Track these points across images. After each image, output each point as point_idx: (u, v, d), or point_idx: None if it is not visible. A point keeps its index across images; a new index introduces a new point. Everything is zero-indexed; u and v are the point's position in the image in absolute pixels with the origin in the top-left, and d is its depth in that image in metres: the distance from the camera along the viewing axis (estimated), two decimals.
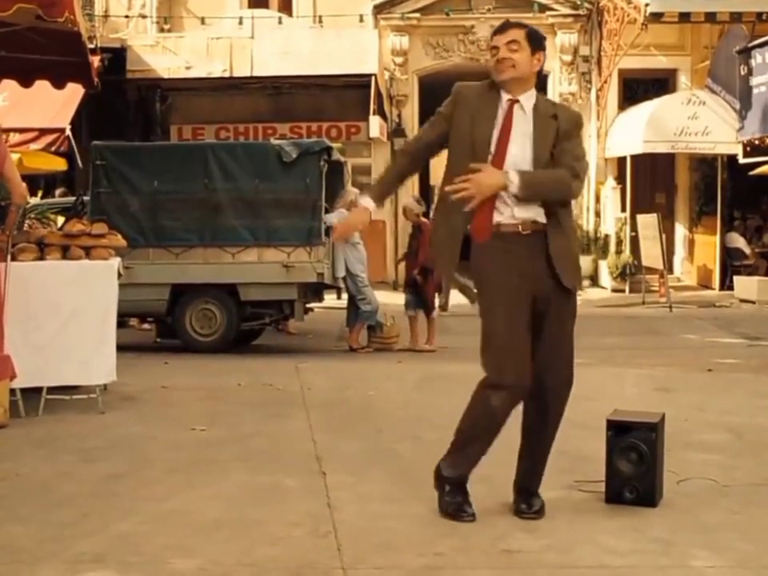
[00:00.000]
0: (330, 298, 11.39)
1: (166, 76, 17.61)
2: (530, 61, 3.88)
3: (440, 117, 3.99)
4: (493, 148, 3.81)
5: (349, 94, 17.89)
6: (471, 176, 3.74)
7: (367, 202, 3.99)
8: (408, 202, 11.18)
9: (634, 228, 17.08)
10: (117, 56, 17.07)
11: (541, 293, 3.79)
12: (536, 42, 3.90)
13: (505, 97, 3.90)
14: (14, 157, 12.53)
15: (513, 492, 4.00)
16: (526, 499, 3.95)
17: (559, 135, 3.85)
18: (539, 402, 3.86)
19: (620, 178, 18.07)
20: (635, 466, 4.05)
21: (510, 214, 3.80)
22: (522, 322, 3.77)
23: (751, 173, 16.60)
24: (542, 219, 3.82)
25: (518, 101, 3.88)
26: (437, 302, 10.63)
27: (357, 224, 4.25)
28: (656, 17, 16.28)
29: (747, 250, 17.82)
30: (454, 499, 3.87)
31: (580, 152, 3.95)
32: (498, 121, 3.85)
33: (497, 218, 3.81)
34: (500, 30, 3.94)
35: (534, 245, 3.80)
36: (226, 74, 17.48)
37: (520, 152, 3.82)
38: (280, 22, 18.03)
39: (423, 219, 10.61)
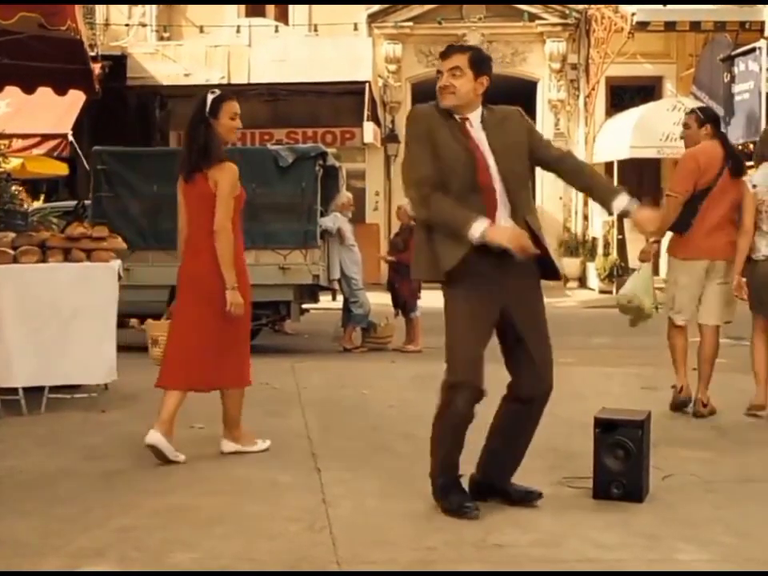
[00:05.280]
0: (325, 300, 11.44)
1: (165, 83, 17.75)
2: (473, 86, 3.88)
3: (419, 140, 3.93)
4: (472, 164, 3.83)
5: (343, 101, 18.13)
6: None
7: (481, 223, 3.77)
8: (405, 203, 10.74)
9: (621, 231, 17.09)
10: (117, 63, 17.27)
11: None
12: (479, 66, 3.89)
13: (456, 116, 3.92)
14: (17, 162, 12.93)
15: (494, 490, 4.04)
16: (515, 488, 4.03)
17: (527, 133, 3.99)
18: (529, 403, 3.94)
19: None
20: (622, 462, 4.10)
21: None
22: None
23: None
24: None
25: (467, 118, 3.91)
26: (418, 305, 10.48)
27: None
28: (642, 26, 16.50)
29: None
30: (453, 499, 3.90)
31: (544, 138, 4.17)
32: (461, 139, 3.87)
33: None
34: (444, 55, 3.95)
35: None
36: (224, 81, 17.49)
37: (493, 165, 3.87)
38: (276, 31, 18.23)
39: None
